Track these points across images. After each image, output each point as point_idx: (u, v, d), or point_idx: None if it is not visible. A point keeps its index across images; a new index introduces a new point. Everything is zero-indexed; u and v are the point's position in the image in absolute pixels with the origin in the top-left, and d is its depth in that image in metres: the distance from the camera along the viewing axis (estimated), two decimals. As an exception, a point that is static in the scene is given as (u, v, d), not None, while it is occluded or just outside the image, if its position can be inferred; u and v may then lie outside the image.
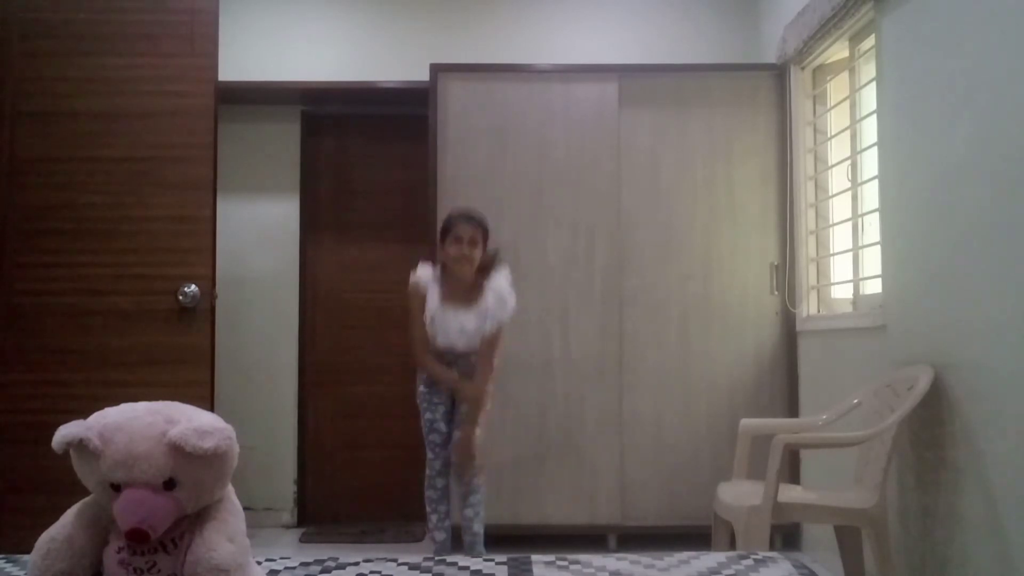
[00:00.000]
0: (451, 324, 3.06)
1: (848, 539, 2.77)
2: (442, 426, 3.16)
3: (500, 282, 3.09)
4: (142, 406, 1.33)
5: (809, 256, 3.71)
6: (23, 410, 3.02)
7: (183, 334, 3.04)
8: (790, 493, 2.78)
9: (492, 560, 1.71)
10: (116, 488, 1.25)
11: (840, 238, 3.52)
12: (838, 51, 3.49)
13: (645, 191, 3.85)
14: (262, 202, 4.40)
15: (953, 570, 2.46)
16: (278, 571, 1.62)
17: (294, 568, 1.64)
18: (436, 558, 1.72)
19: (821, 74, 3.70)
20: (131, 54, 3.11)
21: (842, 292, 3.50)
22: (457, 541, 3.17)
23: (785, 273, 3.80)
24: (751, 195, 3.85)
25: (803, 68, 3.74)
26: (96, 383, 3.01)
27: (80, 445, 1.24)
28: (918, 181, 2.69)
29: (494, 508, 3.69)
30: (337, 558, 1.71)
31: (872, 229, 3.12)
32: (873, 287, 3.11)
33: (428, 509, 3.19)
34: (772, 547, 2.68)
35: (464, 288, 3.10)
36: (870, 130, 3.14)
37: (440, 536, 3.17)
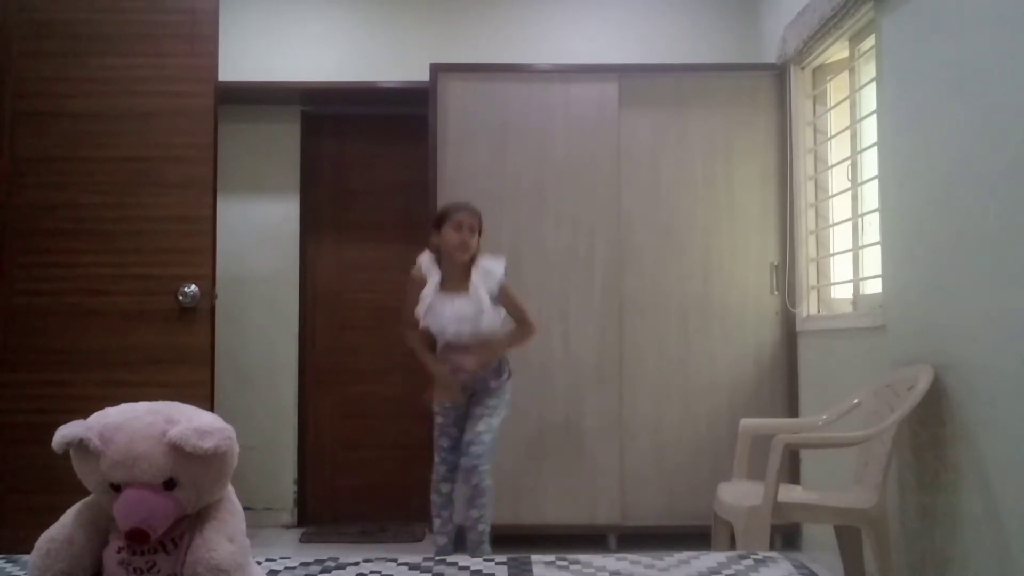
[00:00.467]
0: (446, 310, 3.05)
1: (848, 539, 2.77)
2: (453, 431, 3.14)
3: (482, 262, 3.09)
4: (142, 406, 1.33)
5: (809, 256, 3.71)
6: (23, 410, 3.02)
7: (183, 334, 3.04)
8: (790, 493, 2.78)
9: (492, 560, 1.71)
10: (116, 488, 1.25)
11: (840, 238, 3.52)
12: (838, 51, 3.49)
13: (645, 191, 3.85)
14: (262, 202, 4.40)
15: (953, 570, 2.46)
16: (278, 571, 1.62)
17: (294, 568, 1.64)
18: (436, 558, 1.72)
19: (821, 74, 3.70)
20: (131, 54, 3.11)
21: (842, 292, 3.50)
22: (461, 543, 3.16)
23: (785, 273, 3.80)
24: (751, 195, 3.85)
25: (803, 68, 3.74)
26: (96, 383, 3.01)
27: (80, 445, 1.24)
28: (918, 181, 2.69)
29: (495, 508, 3.70)
30: (337, 558, 1.71)
31: (872, 229, 3.12)
32: (873, 287, 3.11)
33: (432, 512, 3.17)
34: (772, 547, 2.68)
35: (458, 276, 3.08)
36: (870, 130, 3.14)
37: (442, 540, 3.16)
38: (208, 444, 1.24)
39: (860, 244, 3.22)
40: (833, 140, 3.58)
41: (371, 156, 4.49)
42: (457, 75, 3.88)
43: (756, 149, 3.86)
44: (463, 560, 1.71)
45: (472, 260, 3.09)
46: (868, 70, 3.19)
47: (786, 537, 3.68)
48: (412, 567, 1.66)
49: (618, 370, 3.78)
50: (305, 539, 4.04)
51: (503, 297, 3.08)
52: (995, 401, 2.28)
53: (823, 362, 3.51)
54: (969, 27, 2.42)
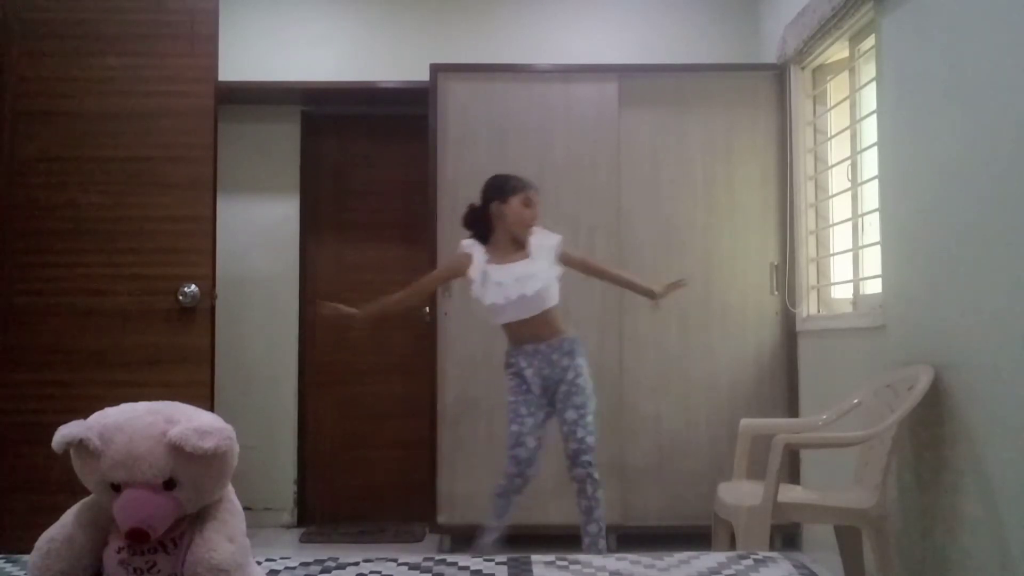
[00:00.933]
0: (505, 276, 2.93)
1: (848, 539, 2.77)
2: (530, 441, 2.94)
3: (536, 233, 3.04)
4: (142, 406, 1.33)
5: (809, 256, 3.71)
6: (23, 410, 3.02)
7: (183, 334, 3.04)
8: (790, 493, 2.78)
9: (492, 560, 1.71)
10: (116, 488, 1.25)
11: (840, 238, 3.52)
12: (838, 51, 3.49)
13: (645, 191, 3.85)
14: (262, 202, 4.40)
15: (953, 570, 2.46)
16: (278, 571, 1.62)
17: (294, 568, 1.64)
18: (436, 558, 1.71)
19: (821, 74, 3.70)
20: (131, 54, 3.11)
21: (842, 292, 3.50)
22: (461, 543, 3.05)
23: (785, 273, 3.80)
24: (751, 195, 3.85)
25: (803, 68, 3.74)
26: (96, 383, 3.01)
27: (80, 445, 1.24)
28: (918, 181, 2.69)
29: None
30: (337, 558, 1.71)
31: (872, 229, 3.12)
32: (873, 287, 3.11)
33: (493, 513, 2.98)
34: (772, 547, 2.67)
35: (507, 249, 3.01)
36: (870, 130, 3.13)
37: (492, 537, 2.97)
38: (208, 444, 1.24)
39: (860, 244, 3.22)
40: (833, 140, 3.58)
41: (371, 156, 4.49)
42: (457, 75, 3.87)
43: (756, 149, 3.86)
44: (463, 560, 1.72)
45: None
46: (868, 70, 3.19)
47: (786, 537, 3.68)
48: (412, 567, 1.66)
49: (618, 370, 3.78)
50: (305, 539, 4.04)
51: (567, 260, 3.04)
52: (995, 401, 2.28)
53: (823, 362, 3.51)
54: (969, 27, 2.42)
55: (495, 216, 3.03)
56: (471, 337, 3.75)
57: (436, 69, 3.87)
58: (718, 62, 4.17)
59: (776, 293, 3.81)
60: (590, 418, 2.96)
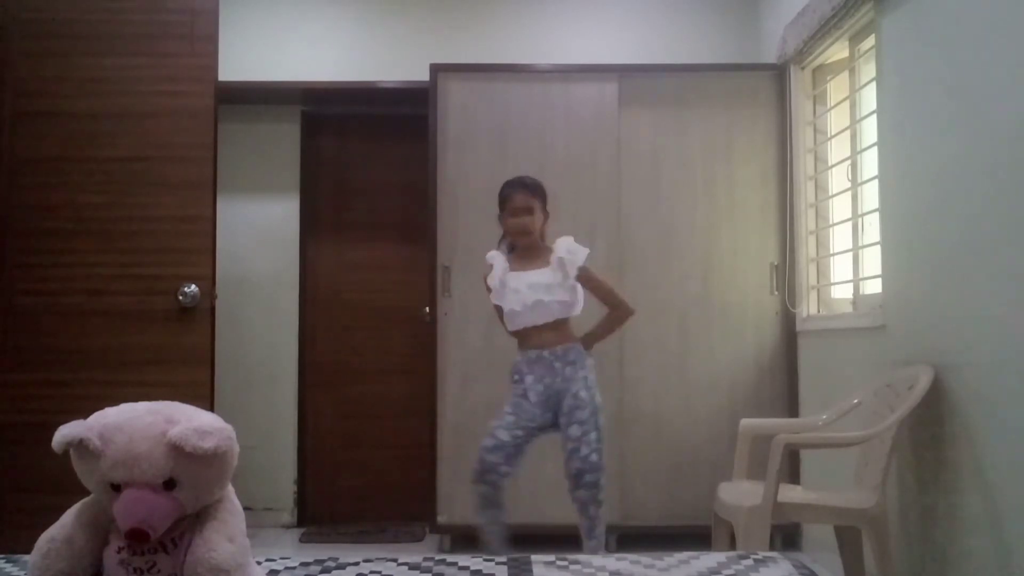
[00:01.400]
0: (520, 283, 2.88)
1: (848, 539, 2.77)
2: (502, 434, 2.86)
3: (563, 242, 2.93)
4: (142, 406, 1.33)
5: (809, 256, 3.71)
6: (23, 410, 3.01)
7: (183, 334, 3.03)
8: (790, 493, 2.78)
9: (492, 560, 1.71)
10: (116, 488, 1.25)
11: (840, 238, 3.52)
12: (838, 51, 3.49)
13: (645, 191, 3.85)
14: (262, 202, 4.40)
15: (953, 570, 2.46)
16: (278, 571, 1.62)
17: (294, 568, 1.64)
18: (436, 558, 1.71)
19: (821, 74, 3.70)
20: (131, 54, 3.11)
21: (842, 292, 3.50)
22: (460, 544, 3.01)
23: (785, 273, 3.80)
24: (751, 195, 3.85)
25: (803, 68, 3.74)
26: (96, 383, 3.00)
27: (80, 445, 1.24)
28: (918, 181, 2.69)
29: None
30: (337, 558, 1.71)
31: (872, 229, 3.12)
32: (873, 287, 3.11)
33: (479, 509, 2.89)
34: (772, 547, 2.68)
35: (531, 255, 2.95)
36: (870, 130, 3.13)
37: (493, 536, 2.90)
38: (208, 444, 1.24)
39: (860, 244, 3.22)
40: (833, 140, 3.58)
41: (371, 156, 4.49)
42: (457, 75, 3.87)
43: (756, 149, 3.86)
44: (463, 560, 1.71)
45: (543, 236, 2.97)
46: (868, 70, 3.19)
47: (786, 537, 3.68)
48: (412, 567, 1.65)
49: (618, 370, 3.78)
50: (305, 539, 4.04)
51: (585, 281, 2.92)
52: (995, 401, 2.28)
53: (823, 362, 3.51)
54: (969, 27, 2.42)
55: (504, 229, 3.01)
56: (471, 337, 3.75)
57: (436, 69, 3.87)
58: (718, 62, 4.17)
59: (776, 293, 3.81)
60: (595, 435, 2.82)
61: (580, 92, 3.88)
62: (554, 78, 3.90)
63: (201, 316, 3.04)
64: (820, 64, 3.67)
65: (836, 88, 3.61)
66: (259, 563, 1.53)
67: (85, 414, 1.31)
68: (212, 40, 3.12)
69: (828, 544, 3.01)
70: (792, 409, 3.74)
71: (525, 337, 2.95)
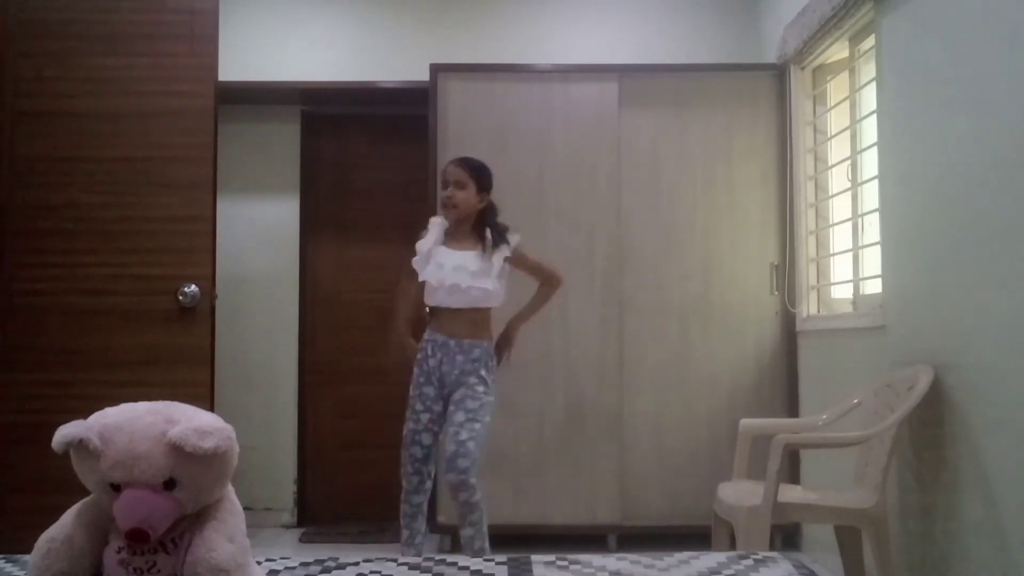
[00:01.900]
0: (445, 260, 2.91)
1: (848, 539, 2.77)
2: (424, 439, 2.92)
3: (512, 236, 3.00)
4: (142, 406, 1.33)
5: (809, 256, 3.71)
6: (23, 410, 3.01)
7: (183, 334, 3.03)
8: (790, 493, 2.78)
9: (492, 560, 1.71)
10: (116, 488, 1.25)
11: (840, 238, 3.52)
12: (838, 51, 3.49)
13: (645, 191, 3.85)
14: (262, 202, 4.41)
15: (953, 570, 2.46)
16: (278, 571, 1.62)
17: (294, 568, 1.64)
18: (436, 558, 1.72)
19: (821, 74, 3.70)
20: (131, 54, 3.11)
21: (842, 292, 3.50)
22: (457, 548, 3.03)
23: (785, 273, 3.80)
24: (751, 195, 3.85)
25: (803, 68, 3.74)
26: (96, 383, 3.00)
27: (80, 445, 1.24)
28: (918, 181, 2.69)
29: (494, 508, 3.69)
30: (337, 558, 1.71)
31: (872, 229, 3.12)
32: (873, 287, 3.11)
33: (402, 523, 2.96)
34: (772, 547, 2.68)
35: (467, 235, 2.98)
36: (870, 130, 3.14)
37: (410, 553, 2.91)
38: (208, 444, 1.24)
39: (860, 244, 3.22)
40: (833, 140, 3.58)
41: (371, 156, 4.49)
42: (457, 75, 3.88)
43: (756, 149, 3.86)
44: (463, 560, 1.71)
45: (479, 218, 2.98)
46: (868, 70, 3.19)
47: (786, 537, 3.68)
48: (412, 567, 1.66)
49: (618, 370, 3.78)
50: (305, 539, 4.04)
51: (518, 262, 2.98)
52: (995, 401, 2.28)
53: (823, 362, 3.51)
54: (969, 27, 2.42)
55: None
56: (471, 337, 3.75)
57: (436, 69, 3.87)
58: (718, 62, 4.17)
59: (776, 293, 3.81)
60: (479, 426, 2.83)
61: (580, 92, 3.88)
62: (554, 78, 3.90)
63: (201, 316, 3.04)
64: (820, 64, 3.67)
65: (836, 88, 3.61)
66: (259, 563, 1.53)
67: (85, 414, 1.31)
68: (212, 40, 3.12)
69: (828, 544, 3.01)
70: (792, 409, 3.74)
71: (438, 317, 2.98)
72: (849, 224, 3.33)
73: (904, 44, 2.78)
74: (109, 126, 3.09)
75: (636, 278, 3.81)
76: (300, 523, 4.29)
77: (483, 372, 2.93)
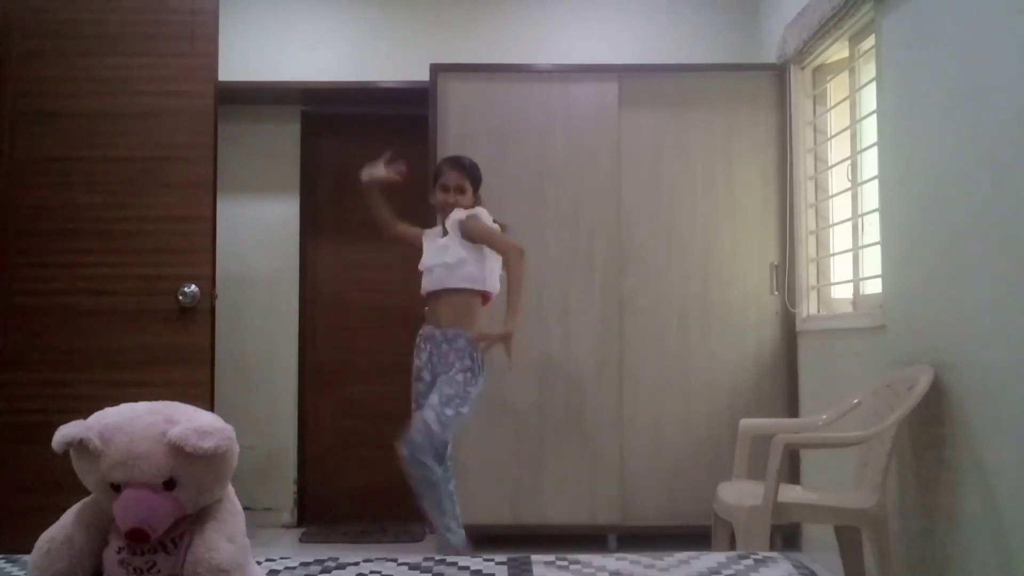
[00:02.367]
0: (430, 245, 3.18)
1: (848, 539, 2.77)
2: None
3: (454, 214, 3.16)
4: (142, 406, 1.33)
5: (809, 256, 3.71)
6: (23, 410, 3.02)
7: (183, 334, 3.03)
8: (790, 493, 2.78)
9: (492, 560, 1.71)
10: (116, 488, 1.25)
11: (840, 238, 3.52)
12: (838, 51, 3.49)
13: (645, 191, 3.85)
14: (262, 202, 4.40)
15: (953, 570, 2.46)
16: (278, 571, 1.62)
17: (294, 568, 1.64)
18: (436, 558, 1.71)
19: (821, 74, 3.70)
20: (131, 54, 3.11)
21: (842, 292, 3.50)
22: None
23: (785, 273, 3.80)
24: (751, 195, 3.85)
25: (803, 68, 3.74)
26: (96, 383, 3.00)
27: (80, 445, 1.24)
28: (918, 181, 2.69)
29: (495, 508, 3.70)
30: (337, 558, 1.71)
31: (872, 229, 3.12)
32: (873, 287, 3.11)
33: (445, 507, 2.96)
34: (772, 547, 2.67)
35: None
36: (870, 130, 3.14)
37: (454, 540, 2.95)
38: (208, 444, 1.24)
39: (860, 244, 3.22)
40: (833, 140, 3.58)
41: (371, 156, 4.46)
42: (457, 75, 3.88)
43: (756, 149, 3.86)
44: (463, 560, 1.71)
45: None
46: (868, 70, 3.19)
47: (786, 537, 3.68)
48: (412, 567, 1.65)
49: (618, 370, 3.78)
50: (305, 539, 4.04)
51: (469, 231, 3.08)
52: (995, 401, 2.28)
53: (823, 362, 3.51)
54: (969, 27, 2.42)
55: (432, 202, 3.29)
56: (471, 337, 3.75)
57: (436, 69, 3.87)
58: (718, 62, 4.17)
59: (776, 293, 3.81)
60: (451, 412, 2.89)
61: (580, 92, 3.88)
62: (554, 78, 3.90)
63: (201, 316, 3.04)
64: (820, 64, 3.67)
65: (836, 88, 3.61)
66: (259, 563, 1.53)
67: (85, 414, 1.31)
68: (212, 40, 3.12)
69: (828, 544, 3.01)
70: (792, 409, 3.74)
71: (429, 305, 3.16)
72: (849, 224, 3.33)
73: (904, 44, 2.78)
74: (109, 126, 3.09)
75: (636, 278, 3.81)
76: (300, 523, 4.29)
77: (467, 361, 3.00)
